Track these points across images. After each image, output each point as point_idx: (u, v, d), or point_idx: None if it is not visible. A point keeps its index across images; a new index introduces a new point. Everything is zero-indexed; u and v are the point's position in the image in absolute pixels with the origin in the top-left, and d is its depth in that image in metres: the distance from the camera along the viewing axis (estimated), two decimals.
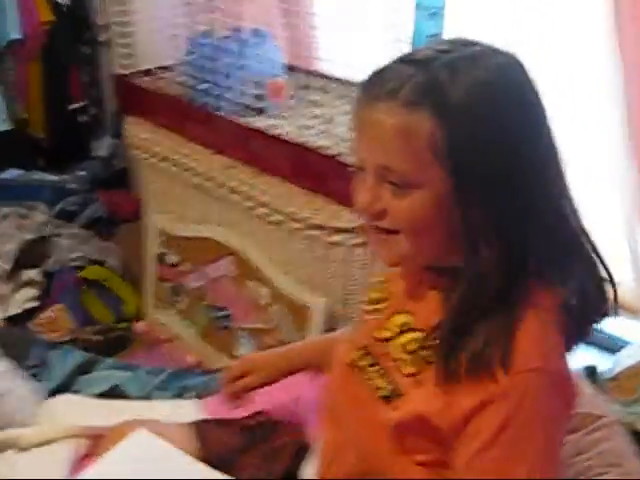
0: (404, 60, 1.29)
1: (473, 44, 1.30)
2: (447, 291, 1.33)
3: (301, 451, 1.75)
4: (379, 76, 1.29)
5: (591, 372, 2.30)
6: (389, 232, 1.32)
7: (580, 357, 2.66)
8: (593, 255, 1.36)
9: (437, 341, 1.31)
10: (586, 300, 1.34)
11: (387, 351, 1.40)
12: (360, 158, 1.31)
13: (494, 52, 1.30)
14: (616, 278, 2.54)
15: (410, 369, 1.35)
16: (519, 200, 1.26)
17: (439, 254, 1.34)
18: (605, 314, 1.38)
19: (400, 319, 1.41)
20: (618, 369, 2.50)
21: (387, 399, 1.37)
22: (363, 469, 1.44)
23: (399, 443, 1.37)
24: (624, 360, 2.65)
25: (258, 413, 1.85)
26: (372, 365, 1.42)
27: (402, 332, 1.40)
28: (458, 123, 1.23)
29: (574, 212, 1.34)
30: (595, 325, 1.38)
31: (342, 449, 1.50)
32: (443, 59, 1.26)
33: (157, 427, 1.83)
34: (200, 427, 1.86)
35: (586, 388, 1.94)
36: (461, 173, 1.24)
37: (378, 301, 1.51)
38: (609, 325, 2.90)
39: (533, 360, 1.25)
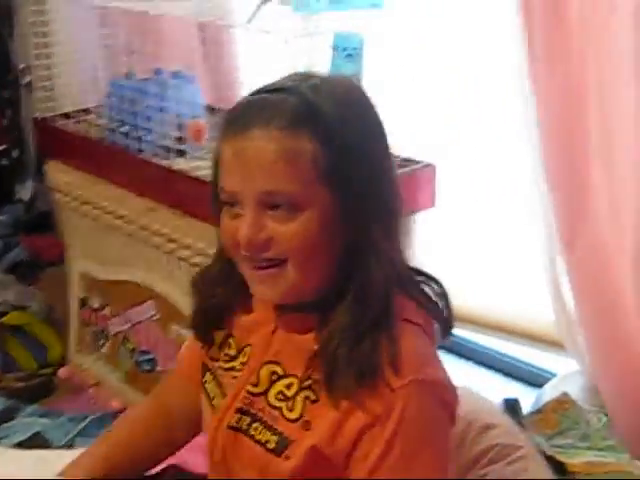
0: (269, 90, 1.31)
1: (316, 75, 1.37)
2: (318, 324, 1.33)
3: None
4: (250, 106, 1.30)
5: (512, 405, 2.31)
6: (274, 265, 1.30)
7: (502, 390, 2.72)
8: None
9: (320, 368, 1.31)
10: (437, 311, 1.40)
11: (264, 404, 1.39)
12: (233, 191, 1.29)
13: (343, 78, 1.42)
14: (537, 312, 2.58)
15: (294, 414, 1.34)
16: (394, 216, 1.34)
17: (323, 280, 1.33)
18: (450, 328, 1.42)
19: (267, 370, 1.40)
20: (542, 402, 2.53)
21: (277, 451, 1.35)
22: None
23: None
24: (548, 392, 2.68)
25: (172, 466, 1.81)
26: (253, 422, 1.39)
27: (273, 382, 1.39)
28: (335, 140, 1.26)
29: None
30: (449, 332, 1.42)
31: None
32: (306, 84, 1.30)
33: None
34: None
35: (505, 420, 1.95)
36: (345, 189, 1.27)
37: (234, 357, 1.48)
38: (533, 359, 2.98)
39: (408, 374, 1.26)
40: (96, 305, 3.03)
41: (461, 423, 1.75)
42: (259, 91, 1.33)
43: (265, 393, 1.39)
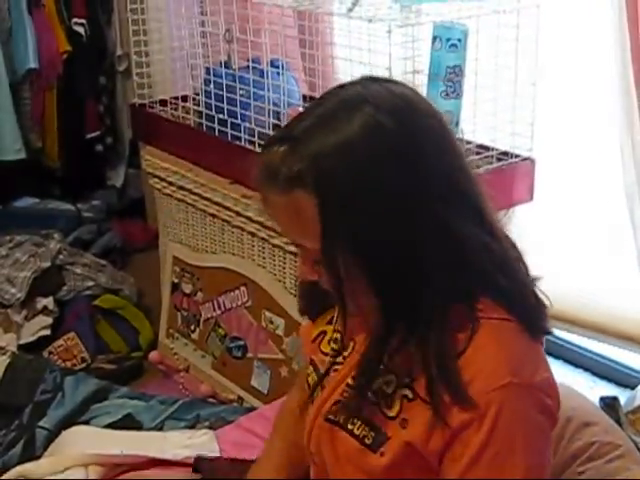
0: (279, 138, 1.30)
1: (326, 101, 1.31)
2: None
3: None
4: (262, 158, 1.31)
5: (610, 403, 2.28)
6: None
7: (593, 390, 2.68)
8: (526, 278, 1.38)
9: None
10: (529, 308, 1.35)
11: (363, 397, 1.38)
12: None
13: (351, 103, 1.28)
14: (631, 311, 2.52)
15: (392, 412, 1.34)
16: (411, 245, 1.26)
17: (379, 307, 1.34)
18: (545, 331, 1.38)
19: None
20: (636, 402, 2.49)
21: (373, 446, 1.36)
22: None
23: None
24: None
25: None
26: (350, 416, 1.40)
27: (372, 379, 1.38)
28: (333, 190, 1.24)
29: (496, 239, 1.35)
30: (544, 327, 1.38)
31: None
32: (301, 127, 1.27)
33: None
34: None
35: (604, 417, 1.92)
36: (352, 238, 1.25)
37: (339, 353, 1.49)
38: (626, 359, 2.93)
39: (503, 376, 1.25)
40: (188, 290, 3.05)
41: (560, 419, 1.72)
42: (279, 137, 1.31)
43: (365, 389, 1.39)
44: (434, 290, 1.27)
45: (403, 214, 1.24)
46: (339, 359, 1.48)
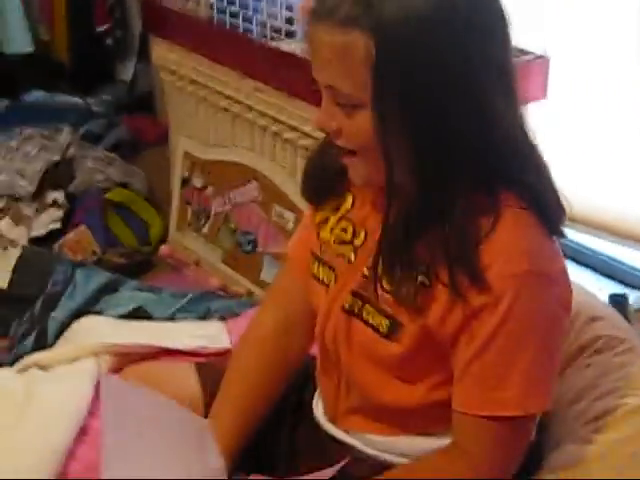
0: None
1: None
2: None
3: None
4: None
5: (619, 300, 2.29)
6: (350, 152, 1.33)
7: (605, 290, 2.69)
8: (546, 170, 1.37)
9: None
10: (547, 201, 1.35)
11: (380, 286, 1.37)
12: (315, 78, 1.31)
13: None
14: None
15: (410, 296, 1.33)
16: (455, 119, 1.25)
17: (403, 173, 1.32)
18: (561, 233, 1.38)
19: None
20: None
21: (388, 334, 1.37)
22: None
23: (407, 373, 1.40)
24: None
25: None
26: (366, 304, 1.41)
27: None
28: (392, 41, 1.21)
29: (525, 133, 1.34)
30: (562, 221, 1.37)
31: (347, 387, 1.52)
32: None
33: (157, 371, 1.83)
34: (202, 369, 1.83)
35: (613, 313, 1.93)
36: (402, 90, 1.23)
37: (348, 241, 1.47)
38: (636, 261, 2.93)
39: (521, 263, 1.26)
40: (198, 185, 3.05)
41: None
42: None
43: (382, 278, 1.38)
44: (466, 168, 1.27)
45: (454, 84, 1.23)
46: (347, 247, 1.47)
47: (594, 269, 3.10)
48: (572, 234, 3.04)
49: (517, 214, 1.30)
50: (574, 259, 3.09)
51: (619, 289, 2.93)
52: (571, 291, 1.35)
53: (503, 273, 1.26)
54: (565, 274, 1.34)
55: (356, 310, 1.42)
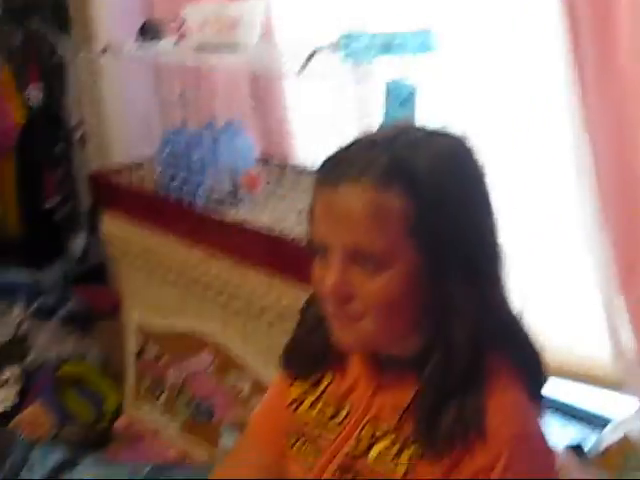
0: (361, 144, 1.32)
1: (418, 128, 1.36)
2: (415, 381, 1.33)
3: None
4: (342, 160, 1.30)
5: (577, 448, 2.29)
6: (355, 316, 1.31)
7: (565, 434, 2.68)
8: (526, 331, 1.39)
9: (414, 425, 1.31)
10: (532, 366, 1.37)
11: (366, 464, 1.37)
12: (324, 242, 1.31)
13: (442, 134, 1.36)
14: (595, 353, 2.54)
15: (398, 474, 1.33)
16: (484, 273, 1.30)
17: (403, 335, 1.34)
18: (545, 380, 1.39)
19: (368, 431, 1.39)
20: (605, 444, 2.50)
21: None
22: None
23: None
24: (610, 435, 2.65)
25: None
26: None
27: (374, 442, 1.37)
28: (426, 198, 1.25)
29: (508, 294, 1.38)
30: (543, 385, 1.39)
31: None
32: (402, 139, 1.29)
33: None
34: None
35: (574, 461, 1.93)
36: (432, 246, 1.26)
37: (332, 416, 1.46)
38: (593, 402, 2.93)
39: (511, 427, 1.26)
40: (152, 356, 3.05)
41: None
42: (353, 144, 1.33)
43: (366, 454, 1.38)
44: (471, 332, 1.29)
45: (476, 235, 1.30)
46: (332, 424, 1.45)
47: (552, 412, 3.10)
48: None
49: (504, 378, 1.31)
50: None
51: (577, 431, 2.93)
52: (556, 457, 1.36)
53: (495, 438, 1.25)
54: (548, 438, 1.34)
55: None
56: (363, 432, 1.39)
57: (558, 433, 2.77)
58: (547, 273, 2.92)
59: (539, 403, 1.37)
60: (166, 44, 2.94)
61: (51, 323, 3.60)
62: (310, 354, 1.50)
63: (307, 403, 1.50)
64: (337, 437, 1.42)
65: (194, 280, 2.77)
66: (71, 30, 4.00)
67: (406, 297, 1.28)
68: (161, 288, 2.96)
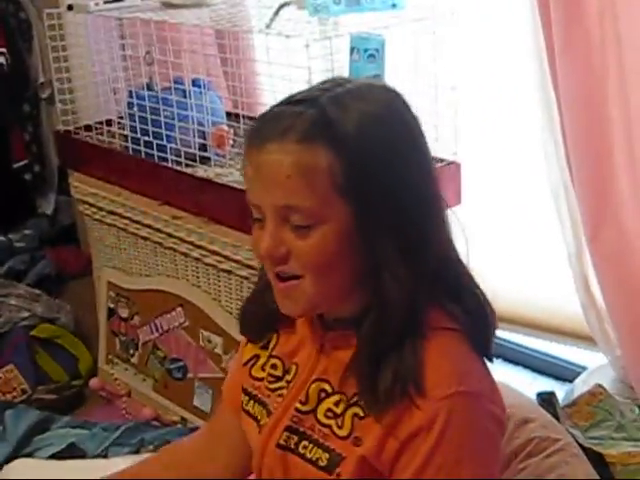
0: (290, 101, 1.31)
1: (351, 81, 1.34)
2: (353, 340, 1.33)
3: None
4: (267, 119, 1.30)
5: (547, 398, 2.31)
6: (293, 277, 1.31)
7: (533, 386, 2.72)
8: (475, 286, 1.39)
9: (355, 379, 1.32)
10: (477, 321, 1.36)
11: (313, 422, 1.38)
12: (257, 204, 1.30)
13: (377, 87, 1.37)
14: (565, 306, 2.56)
15: (344, 431, 1.34)
16: (417, 229, 1.29)
17: (342, 296, 1.34)
18: (494, 330, 1.40)
19: (316, 387, 1.40)
20: (576, 395, 2.52)
21: (329, 468, 1.34)
22: None
23: None
24: (579, 386, 2.68)
25: None
26: (302, 439, 1.39)
27: (322, 399, 1.38)
28: (353, 154, 1.25)
29: (455, 249, 1.38)
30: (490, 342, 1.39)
31: None
32: (328, 95, 1.28)
33: None
34: None
35: (542, 413, 1.95)
36: (361, 203, 1.26)
37: (280, 377, 1.47)
38: (562, 353, 2.98)
39: (450, 385, 1.26)
40: (124, 315, 3.04)
41: None
42: (281, 103, 1.33)
43: (314, 411, 1.39)
44: (426, 278, 1.30)
45: (408, 190, 1.28)
46: (281, 383, 1.46)
47: (526, 366, 3.13)
48: (499, 332, 3.08)
49: (444, 335, 1.31)
50: (504, 357, 3.13)
51: (551, 383, 2.96)
52: (504, 407, 1.35)
53: (433, 396, 1.25)
54: (495, 391, 1.34)
55: (292, 445, 1.40)
56: (310, 390, 1.40)
57: (529, 386, 2.81)
58: (518, 231, 2.95)
59: (486, 356, 1.37)
60: (132, 0, 2.92)
61: (21, 285, 3.58)
62: (260, 317, 1.51)
63: (259, 364, 1.52)
64: (286, 396, 1.43)
65: (165, 237, 2.76)
66: None
67: (341, 254, 1.28)
68: (132, 246, 2.95)
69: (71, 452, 2.55)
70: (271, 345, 1.52)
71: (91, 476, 2.10)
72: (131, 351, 3.05)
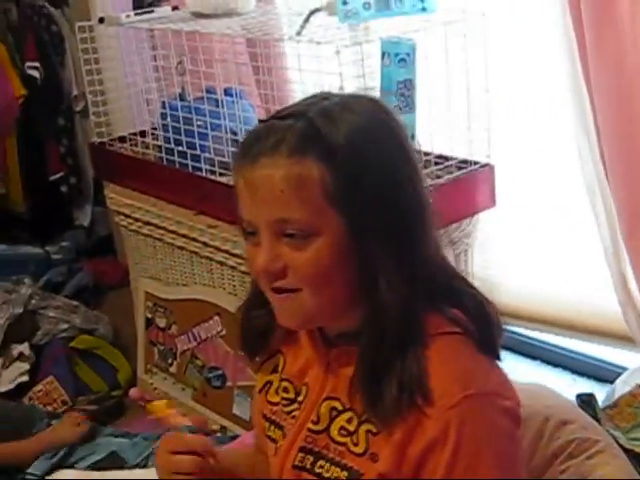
0: (277, 117, 1.31)
1: (336, 94, 1.35)
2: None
3: None
4: (256, 135, 1.29)
5: (587, 400, 2.29)
6: (291, 291, 1.30)
7: (572, 388, 2.70)
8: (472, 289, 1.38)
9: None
10: (478, 321, 1.35)
11: (327, 441, 1.37)
12: (251, 220, 1.29)
13: (362, 98, 1.37)
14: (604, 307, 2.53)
15: (359, 448, 1.33)
16: (409, 233, 1.29)
17: (340, 308, 1.33)
18: (499, 334, 1.37)
19: (327, 406, 1.38)
20: (617, 396, 2.50)
21: None
22: None
23: None
24: (620, 387, 2.66)
25: None
26: (318, 459, 1.38)
27: (334, 418, 1.37)
28: (344, 165, 1.24)
29: (442, 252, 1.39)
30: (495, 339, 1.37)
31: None
32: (316, 108, 1.28)
33: None
34: None
35: (581, 415, 1.93)
36: (354, 212, 1.25)
37: (293, 399, 1.46)
38: (601, 354, 2.95)
39: (457, 391, 1.25)
40: (162, 324, 3.06)
41: (538, 419, 1.74)
42: (269, 118, 1.33)
43: (327, 429, 1.38)
44: (421, 285, 1.29)
45: (398, 196, 1.28)
46: (294, 405, 1.45)
47: (565, 367, 3.11)
48: (537, 334, 3.07)
49: (445, 340, 1.30)
50: (542, 359, 3.11)
51: (591, 385, 2.94)
52: (517, 399, 1.33)
53: (442, 405, 1.24)
54: (504, 385, 1.33)
55: (308, 466, 1.39)
56: (321, 410, 1.39)
57: (568, 388, 2.79)
58: (553, 231, 2.93)
59: (493, 354, 1.35)
60: (163, 11, 2.94)
61: (60, 297, 3.61)
62: (255, 334, 1.50)
63: (273, 388, 1.51)
64: (298, 417, 1.42)
65: (200, 247, 2.77)
66: (67, 2, 4.01)
67: (337, 265, 1.27)
68: (168, 256, 2.96)
69: (112, 461, 2.57)
70: (279, 368, 1.51)
71: None
72: (169, 360, 3.06)
